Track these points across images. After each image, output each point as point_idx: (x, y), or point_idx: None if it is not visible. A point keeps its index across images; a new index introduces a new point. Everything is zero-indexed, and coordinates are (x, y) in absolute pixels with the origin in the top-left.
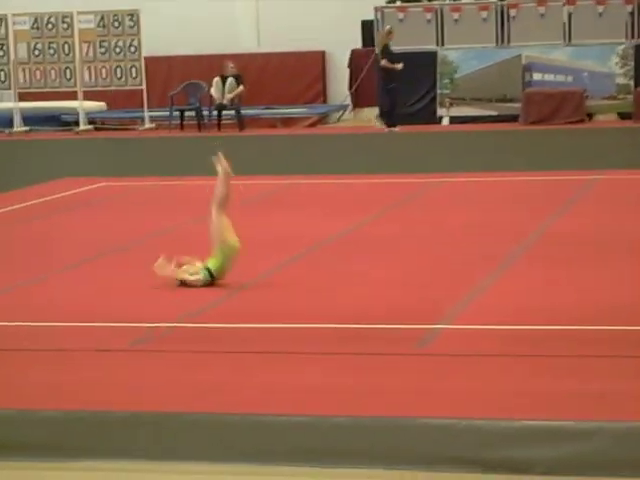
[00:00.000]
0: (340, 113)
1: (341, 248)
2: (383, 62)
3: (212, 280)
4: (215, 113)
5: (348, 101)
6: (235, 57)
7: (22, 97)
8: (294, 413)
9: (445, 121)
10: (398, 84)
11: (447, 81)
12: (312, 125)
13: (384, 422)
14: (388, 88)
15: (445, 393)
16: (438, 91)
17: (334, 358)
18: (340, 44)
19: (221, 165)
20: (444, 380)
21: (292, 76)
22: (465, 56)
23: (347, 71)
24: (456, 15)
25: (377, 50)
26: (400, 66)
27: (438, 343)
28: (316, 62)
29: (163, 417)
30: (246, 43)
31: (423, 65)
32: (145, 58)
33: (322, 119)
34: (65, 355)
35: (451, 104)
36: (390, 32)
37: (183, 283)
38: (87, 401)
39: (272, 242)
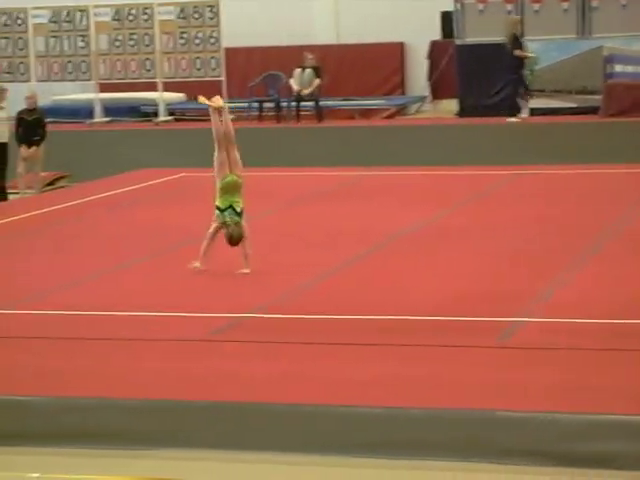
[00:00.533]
0: (418, 105)
1: (419, 240)
2: (517, 52)
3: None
4: (294, 104)
5: (427, 92)
6: (314, 48)
7: (103, 88)
8: (371, 405)
9: (525, 113)
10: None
11: (527, 73)
12: (390, 116)
13: (461, 414)
14: (514, 77)
15: (523, 386)
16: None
17: (413, 350)
18: (419, 35)
19: (207, 101)
20: (523, 373)
21: (371, 67)
22: (545, 47)
23: (426, 62)
24: (537, 6)
25: (505, 40)
26: (531, 54)
27: (518, 336)
28: (395, 53)
29: (242, 407)
30: (325, 35)
31: (503, 57)
32: (225, 49)
33: (400, 110)
34: (146, 345)
35: (531, 96)
36: (518, 22)
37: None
38: (166, 390)
39: (350, 233)
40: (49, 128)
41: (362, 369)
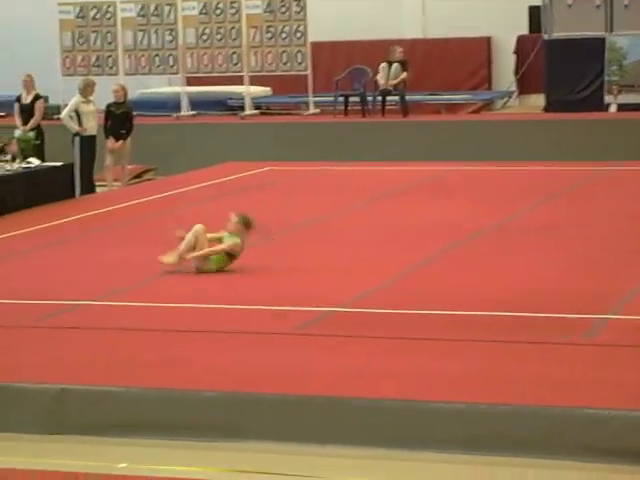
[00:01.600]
0: (505, 100)
1: (504, 236)
2: None
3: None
4: (379, 98)
5: (513, 88)
6: (400, 43)
7: (189, 81)
8: (454, 400)
9: (612, 108)
10: None
11: (615, 68)
12: (476, 111)
13: (546, 411)
14: None
15: (609, 383)
16: (606, 78)
17: (498, 345)
18: (507, 30)
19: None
20: (609, 370)
21: (457, 62)
22: (634, 42)
23: (513, 57)
24: (626, 1)
25: None
26: None
27: (606, 333)
28: (481, 48)
29: (327, 401)
30: (411, 29)
31: (591, 52)
32: (311, 43)
33: (486, 105)
34: (231, 337)
35: (619, 91)
36: None
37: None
38: (251, 383)
39: (435, 229)
40: (136, 121)
41: (447, 364)
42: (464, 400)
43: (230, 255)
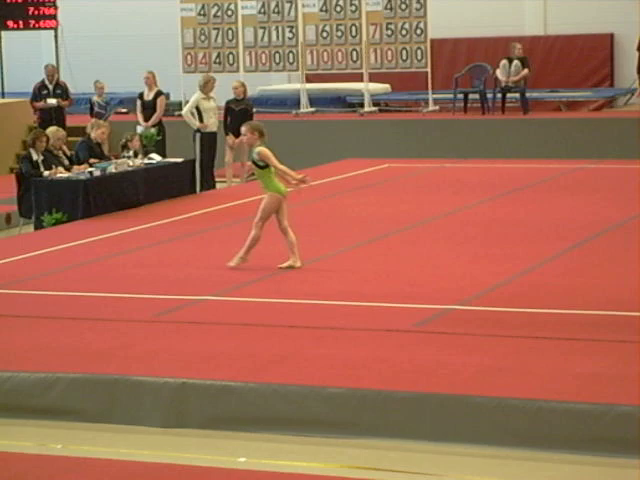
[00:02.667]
0: (627, 97)
1: (630, 234)
2: None
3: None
4: (499, 96)
5: (636, 85)
6: (521, 40)
7: (309, 78)
8: (579, 400)
9: None
10: None
11: None
12: (598, 109)
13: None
14: None
15: None
16: None
17: (619, 346)
18: (630, 26)
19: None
20: None
21: (578, 59)
22: None
23: (636, 54)
24: None
25: None
26: None
27: None
28: (604, 45)
29: (448, 398)
30: (532, 26)
31: None
32: (431, 40)
33: (608, 103)
34: (351, 334)
35: None
36: None
37: None
38: (370, 379)
39: (556, 226)
40: (255, 118)
41: (560, 364)
42: (592, 401)
43: (260, 166)
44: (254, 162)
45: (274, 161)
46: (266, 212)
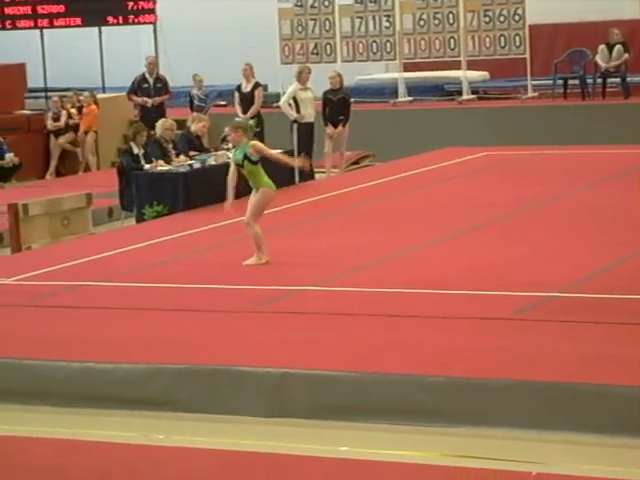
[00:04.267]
0: None
1: None
2: None
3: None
4: (600, 81)
5: None
6: (621, 24)
7: (407, 67)
8: None
9: None
10: None
11: None
12: None
13: None
14: None
15: None
16: None
17: None
18: None
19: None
20: None
21: None
22: None
23: None
24: None
25: None
26: None
27: None
28: None
29: (550, 386)
30: (631, 10)
31: None
32: (529, 26)
33: None
34: (451, 323)
35: None
36: None
37: None
38: (470, 367)
39: None
40: (353, 108)
41: None
42: None
43: (253, 161)
44: (247, 158)
45: (270, 151)
46: (261, 208)
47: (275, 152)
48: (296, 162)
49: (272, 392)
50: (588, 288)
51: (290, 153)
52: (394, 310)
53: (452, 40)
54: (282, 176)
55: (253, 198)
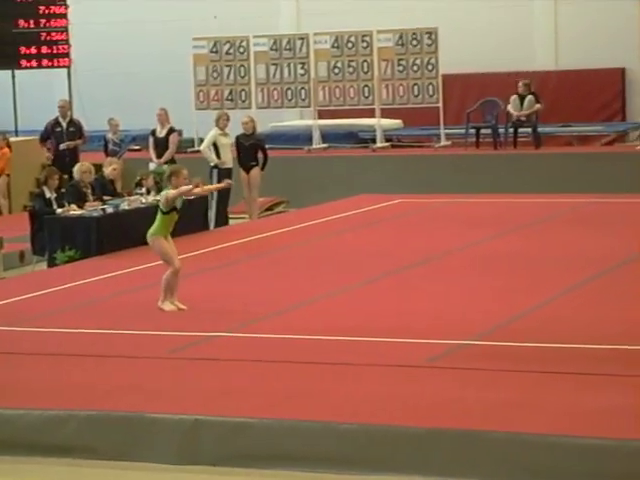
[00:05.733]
0: (639, 131)
1: (632, 269)
2: None
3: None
4: (511, 130)
5: None
6: (531, 74)
7: (321, 114)
8: (593, 435)
9: None
10: None
11: None
12: (609, 143)
13: None
14: None
15: None
16: None
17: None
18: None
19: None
20: None
21: (589, 93)
22: None
23: None
24: None
25: None
26: None
27: None
28: (615, 79)
29: (461, 434)
30: (543, 61)
31: None
32: (442, 75)
33: (620, 137)
34: (364, 370)
35: None
36: None
37: None
38: (383, 415)
39: (571, 259)
40: (268, 154)
41: (589, 398)
42: (606, 436)
43: (173, 210)
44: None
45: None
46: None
47: (186, 188)
48: (218, 185)
49: (184, 439)
50: (499, 336)
51: (205, 199)
52: (307, 357)
53: (366, 88)
54: (196, 221)
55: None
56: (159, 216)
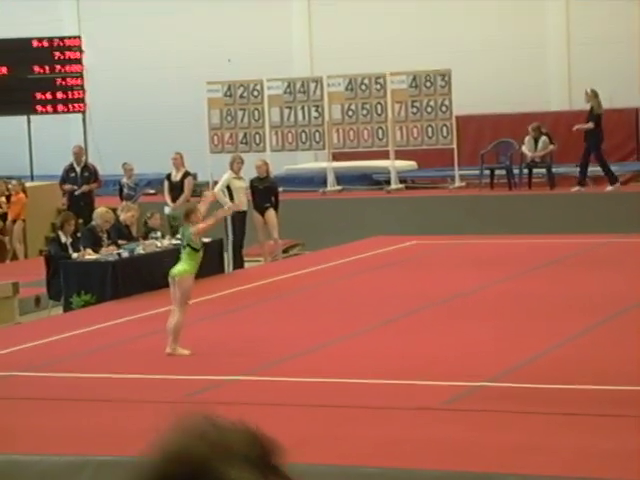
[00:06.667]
0: None
1: None
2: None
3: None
4: (526, 171)
5: None
6: (546, 115)
7: (335, 157)
8: (606, 477)
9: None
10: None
11: None
12: (625, 183)
13: None
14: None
15: None
16: None
17: None
18: None
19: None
20: None
21: (605, 133)
22: None
23: None
24: None
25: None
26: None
27: None
28: (630, 119)
29: (477, 477)
30: (558, 101)
31: None
32: (456, 117)
33: (636, 176)
34: (381, 413)
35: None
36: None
37: None
38: (400, 458)
39: (585, 301)
40: (283, 197)
41: (595, 441)
42: (622, 477)
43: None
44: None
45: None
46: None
47: (202, 225)
48: (228, 209)
49: None
50: (515, 377)
51: (220, 242)
52: (322, 400)
53: (380, 130)
54: (212, 264)
55: (184, 285)
56: (189, 254)
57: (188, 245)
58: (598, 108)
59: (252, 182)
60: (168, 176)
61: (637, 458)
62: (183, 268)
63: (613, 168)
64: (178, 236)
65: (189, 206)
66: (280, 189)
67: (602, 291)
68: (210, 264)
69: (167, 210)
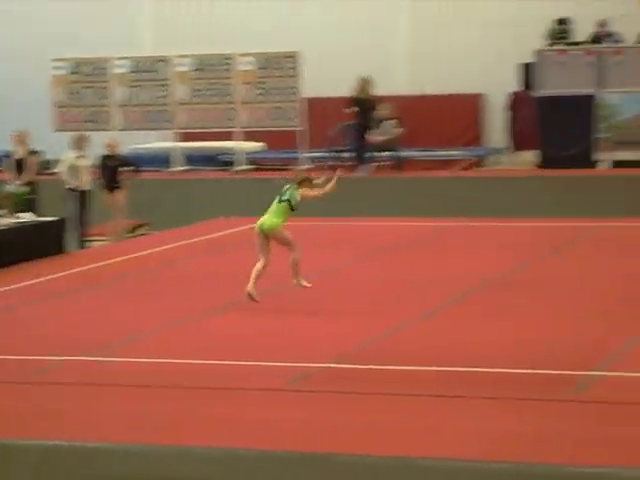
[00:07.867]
0: (496, 156)
1: (494, 293)
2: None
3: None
4: (372, 154)
5: (504, 144)
6: (393, 99)
7: (182, 137)
8: (444, 456)
9: (603, 165)
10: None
11: (606, 125)
12: (468, 167)
13: (538, 469)
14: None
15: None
16: (596, 135)
17: (494, 402)
18: (498, 87)
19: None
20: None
21: (449, 118)
22: (626, 100)
23: (507, 114)
24: (617, 58)
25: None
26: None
27: (596, 389)
28: (473, 105)
29: (323, 457)
30: (405, 86)
31: (580, 109)
32: (305, 99)
33: (479, 162)
34: (222, 393)
35: (610, 148)
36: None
37: None
38: (241, 438)
39: (428, 284)
40: (125, 176)
41: (436, 421)
42: (453, 456)
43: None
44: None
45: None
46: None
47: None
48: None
49: (38, 465)
50: (357, 359)
51: (62, 221)
52: (159, 381)
53: (228, 111)
54: (52, 244)
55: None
56: (285, 208)
57: (288, 201)
58: (361, 93)
59: (103, 159)
60: (11, 153)
61: (466, 437)
62: (276, 222)
63: (457, 152)
64: (19, 215)
65: (304, 175)
66: (131, 168)
67: (445, 273)
68: (49, 244)
69: (10, 188)
